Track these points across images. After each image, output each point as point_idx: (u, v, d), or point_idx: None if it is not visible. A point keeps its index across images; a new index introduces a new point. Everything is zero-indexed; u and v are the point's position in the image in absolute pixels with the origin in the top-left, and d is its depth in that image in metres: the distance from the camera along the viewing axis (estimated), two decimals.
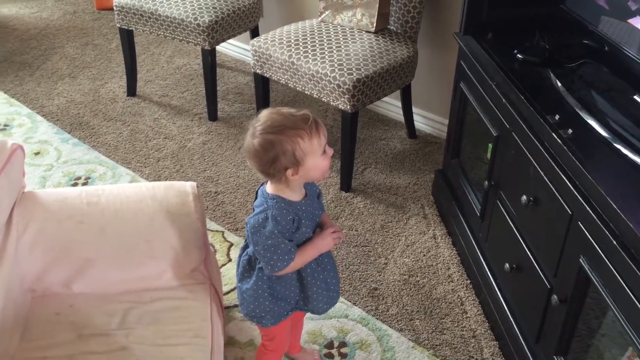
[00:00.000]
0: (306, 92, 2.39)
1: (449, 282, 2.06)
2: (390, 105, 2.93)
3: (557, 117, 1.51)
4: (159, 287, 1.62)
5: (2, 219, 1.48)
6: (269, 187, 1.38)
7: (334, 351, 1.80)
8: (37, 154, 2.60)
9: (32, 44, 3.52)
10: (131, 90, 3.05)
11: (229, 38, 2.79)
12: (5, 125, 2.78)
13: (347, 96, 2.24)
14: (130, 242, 1.59)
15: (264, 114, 1.32)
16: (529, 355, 1.65)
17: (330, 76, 2.25)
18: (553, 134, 1.46)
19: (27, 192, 1.60)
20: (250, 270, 1.45)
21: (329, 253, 1.49)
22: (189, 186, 1.68)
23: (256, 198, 1.42)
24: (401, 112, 2.78)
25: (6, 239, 1.49)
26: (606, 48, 1.67)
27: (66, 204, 1.59)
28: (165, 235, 1.60)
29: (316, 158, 1.29)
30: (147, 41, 3.58)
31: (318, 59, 2.31)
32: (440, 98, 2.71)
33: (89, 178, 2.46)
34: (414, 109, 2.81)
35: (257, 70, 2.53)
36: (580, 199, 1.34)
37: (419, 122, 2.87)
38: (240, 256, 1.49)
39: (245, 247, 1.48)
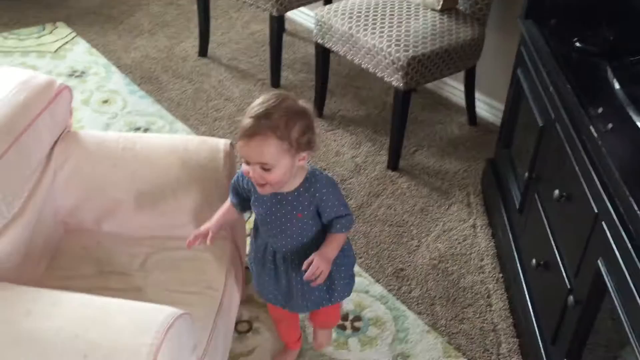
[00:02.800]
0: (363, 65, 2.36)
1: (479, 273, 2.00)
2: (455, 89, 2.85)
3: (600, 110, 1.42)
4: (181, 236, 1.66)
5: (42, 152, 1.58)
6: None
7: (347, 323, 1.80)
8: (105, 102, 2.74)
9: None
10: (203, 51, 3.13)
11: (298, 6, 2.80)
12: (82, 72, 2.94)
13: (400, 73, 2.20)
14: (157, 189, 1.64)
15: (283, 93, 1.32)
16: (544, 356, 1.58)
17: (386, 51, 2.21)
18: (590, 126, 1.37)
19: (71, 132, 1.70)
20: None
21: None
22: (222, 143, 1.71)
23: None
24: (464, 96, 2.70)
25: (44, 172, 1.58)
26: None
27: (103, 146, 1.66)
28: (191, 186, 1.64)
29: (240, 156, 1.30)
30: (228, 5, 3.65)
31: (377, 32, 2.28)
32: (506, 85, 2.60)
33: (147, 129, 2.57)
34: (478, 95, 2.72)
35: (319, 40, 2.53)
36: (605, 197, 1.26)
37: (482, 109, 2.77)
38: None
39: None
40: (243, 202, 1.48)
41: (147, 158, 1.65)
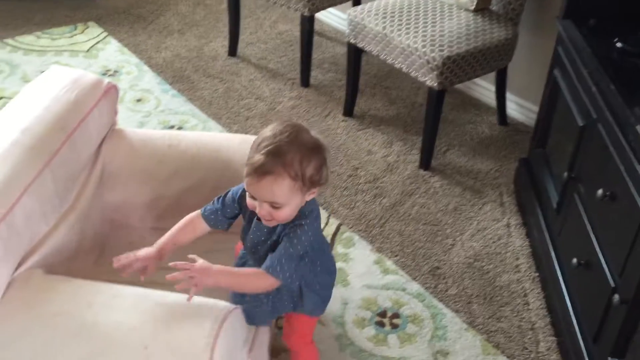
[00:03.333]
0: (396, 65, 2.38)
1: (515, 272, 2.01)
2: (485, 90, 2.85)
3: None
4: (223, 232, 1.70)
5: (91, 148, 1.61)
6: None
7: (386, 320, 1.82)
8: (138, 100, 2.78)
9: None
10: (232, 51, 3.16)
11: (329, 6, 2.82)
12: (115, 71, 2.99)
13: (435, 72, 2.21)
14: (201, 186, 1.67)
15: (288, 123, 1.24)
16: (585, 354, 1.59)
17: (420, 51, 2.23)
18: (636, 126, 1.38)
19: (117, 129, 1.73)
20: None
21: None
22: None
23: None
24: (495, 97, 2.70)
25: (93, 168, 1.62)
26: None
27: (150, 143, 1.70)
28: (233, 184, 1.66)
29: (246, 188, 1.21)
30: (255, 5, 3.68)
31: (411, 32, 2.29)
32: (538, 86, 2.60)
33: (181, 128, 2.60)
34: (509, 95, 2.73)
35: (351, 40, 2.55)
36: None
37: (513, 110, 2.78)
38: None
39: None
40: (224, 218, 1.36)
41: (191, 155, 1.68)
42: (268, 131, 1.21)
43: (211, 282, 1.20)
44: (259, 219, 1.28)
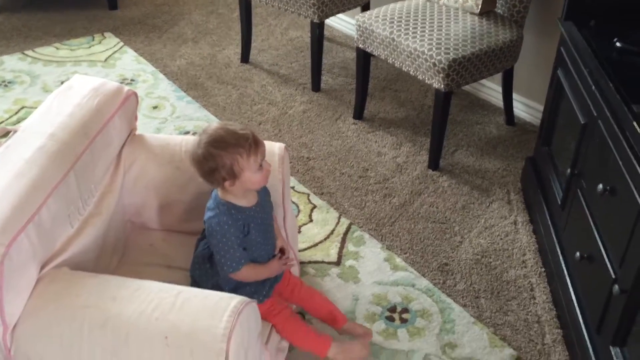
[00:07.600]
0: (404, 69, 2.45)
1: (522, 268, 2.06)
2: (492, 91, 2.91)
3: None
4: None
5: (113, 153, 1.70)
6: (220, 192, 1.51)
7: (396, 315, 1.88)
8: (155, 107, 2.87)
9: (164, 9, 3.83)
10: (245, 57, 3.25)
11: (338, 12, 2.90)
12: (132, 80, 3.08)
13: (441, 75, 2.27)
14: None
15: (212, 127, 1.46)
16: (589, 344, 1.64)
17: (427, 54, 2.29)
18: (634, 122, 1.43)
19: (137, 134, 1.81)
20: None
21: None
22: (276, 147, 1.78)
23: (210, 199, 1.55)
24: (502, 97, 2.76)
25: (115, 173, 1.70)
26: None
27: (167, 149, 1.77)
28: None
29: (252, 173, 1.45)
30: (267, 13, 3.77)
31: (417, 36, 2.36)
32: (544, 86, 2.65)
33: (195, 133, 2.68)
34: (516, 96, 2.78)
35: (360, 45, 2.62)
36: None
37: (520, 110, 2.83)
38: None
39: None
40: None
41: None
42: (208, 131, 1.47)
43: None
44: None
